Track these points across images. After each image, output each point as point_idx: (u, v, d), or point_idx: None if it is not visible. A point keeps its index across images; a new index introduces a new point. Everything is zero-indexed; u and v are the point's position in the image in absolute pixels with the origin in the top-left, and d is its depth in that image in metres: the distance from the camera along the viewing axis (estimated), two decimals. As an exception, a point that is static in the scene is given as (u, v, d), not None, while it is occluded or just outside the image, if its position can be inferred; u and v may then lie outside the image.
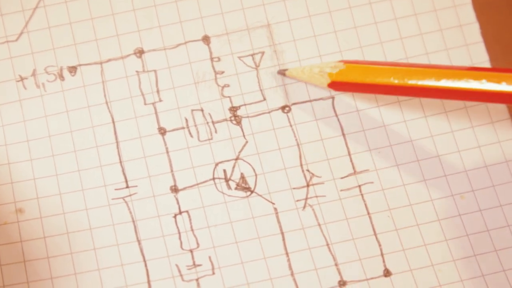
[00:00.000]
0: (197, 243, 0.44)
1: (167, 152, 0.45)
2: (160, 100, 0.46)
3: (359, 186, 0.45)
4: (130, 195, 0.45)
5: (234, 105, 0.46)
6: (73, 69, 0.46)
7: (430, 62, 0.46)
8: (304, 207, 0.45)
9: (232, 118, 0.46)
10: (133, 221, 0.44)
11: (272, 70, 0.46)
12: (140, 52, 0.46)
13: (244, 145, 0.45)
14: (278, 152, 0.45)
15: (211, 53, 0.46)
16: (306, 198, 0.45)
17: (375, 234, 0.44)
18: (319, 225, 0.44)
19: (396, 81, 0.39)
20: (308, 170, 0.45)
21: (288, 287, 0.43)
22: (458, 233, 0.44)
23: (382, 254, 0.44)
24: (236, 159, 0.45)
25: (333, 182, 0.45)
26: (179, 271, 0.44)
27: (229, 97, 0.46)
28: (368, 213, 0.44)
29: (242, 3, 0.47)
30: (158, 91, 0.46)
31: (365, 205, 0.45)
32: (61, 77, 0.46)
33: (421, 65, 0.40)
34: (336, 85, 0.42)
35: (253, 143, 0.45)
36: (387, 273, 0.44)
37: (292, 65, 0.46)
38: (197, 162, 0.45)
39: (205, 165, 0.45)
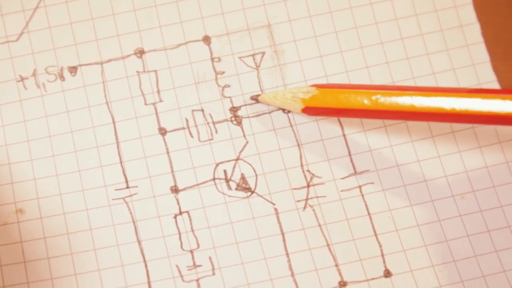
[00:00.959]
0: (198, 244, 0.44)
1: (168, 152, 0.45)
2: (161, 100, 0.46)
3: (360, 186, 0.45)
4: (130, 196, 0.45)
5: (234, 105, 0.46)
6: (73, 69, 0.46)
7: (431, 63, 0.46)
8: (305, 207, 0.44)
9: (233, 119, 0.46)
10: (134, 222, 0.44)
11: (272, 71, 0.46)
12: (140, 52, 0.46)
13: (245, 146, 0.45)
14: (278, 153, 0.45)
15: (211, 53, 0.46)
16: (307, 199, 0.45)
17: (375, 234, 0.44)
18: (319, 225, 0.44)
19: (369, 104, 0.39)
20: (308, 171, 0.45)
21: (288, 287, 0.43)
22: (459, 234, 0.44)
23: (382, 255, 0.44)
24: (237, 159, 0.45)
25: (333, 183, 0.45)
26: (180, 271, 0.44)
27: (229, 97, 0.46)
28: (369, 214, 0.44)
29: (243, 3, 0.47)
30: (158, 91, 0.46)
31: (366, 205, 0.45)
32: (62, 77, 0.46)
33: (394, 87, 0.40)
34: (310, 110, 0.42)
35: (254, 144, 0.45)
36: (387, 273, 0.44)
37: (293, 65, 0.46)
38: (197, 163, 0.45)
39: (205, 166, 0.45)
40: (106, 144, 0.45)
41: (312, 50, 0.47)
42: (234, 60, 0.46)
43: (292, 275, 0.44)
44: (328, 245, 0.44)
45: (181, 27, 0.47)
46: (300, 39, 0.47)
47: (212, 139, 0.45)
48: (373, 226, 0.44)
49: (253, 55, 0.47)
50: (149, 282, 0.44)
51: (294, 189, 0.45)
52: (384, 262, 0.44)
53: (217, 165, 0.45)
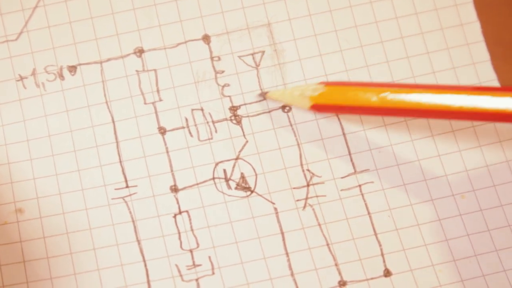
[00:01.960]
0: (197, 243, 0.44)
1: (167, 151, 0.45)
2: (160, 100, 0.46)
3: (360, 185, 0.45)
4: (130, 195, 0.45)
5: (234, 104, 0.46)
6: (73, 69, 0.46)
7: (431, 61, 0.46)
8: (304, 207, 0.44)
9: (232, 118, 0.46)
10: (133, 221, 0.44)
11: (272, 70, 0.46)
12: (140, 51, 0.46)
13: (244, 145, 0.45)
14: (278, 152, 0.45)
15: (211, 52, 0.46)
16: (306, 198, 0.45)
17: (375, 234, 0.44)
18: (319, 225, 0.44)
19: (377, 102, 0.39)
20: (308, 170, 0.45)
21: (288, 287, 0.43)
22: (459, 233, 0.44)
23: (382, 254, 0.44)
24: (236, 158, 0.45)
25: (333, 182, 0.45)
26: (179, 271, 0.44)
27: (229, 96, 0.46)
28: (369, 213, 0.44)
29: (242, 2, 0.47)
30: (158, 91, 0.46)
31: (366, 205, 0.45)
32: (61, 77, 0.46)
33: (402, 85, 0.40)
34: (318, 108, 0.42)
35: (253, 143, 0.45)
36: (387, 273, 0.44)
37: (292, 64, 0.46)
38: (197, 162, 0.45)
39: (205, 165, 0.45)
40: (105, 143, 0.45)
41: (312, 49, 0.46)
42: (234, 59, 0.46)
43: (292, 274, 0.44)
44: (327, 244, 0.44)
45: (181, 26, 0.47)
46: (300, 38, 0.47)
47: (211, 138, 0.45)
48: (373, 226, 0.44)
49: (252, 54, 0.46)
50: (148, 282, 0.44)
51: (294, 188, 0.45)
52: (384, 261, 0.44)
53: (216, 164, 0.45)
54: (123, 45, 0.46)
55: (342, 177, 0.45)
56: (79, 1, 0.46)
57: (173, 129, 0.45)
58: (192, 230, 0.44)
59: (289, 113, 0.46)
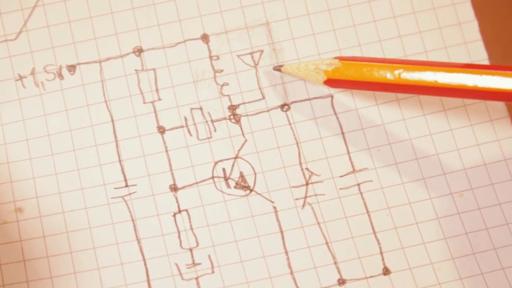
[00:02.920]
0: (197, 242, 0.44)
1: (166, 151, 0.45)
2: (159, 99, 0.46)
3: (358, 184, 0.45)
4: (129, 194, 0.45)
5: (233, 103, 0.46)
6: (72, 68, 0.46)
7: (428, 59, 0.46)
8: (303, 205, 0.45)
9: (231, 117, 0.46)
10: (133, 220, 0.44)
11: (271, 69, 0.46)
12: (139, 51, 0.46)
13: (243, 144, 0.45)
14: (277, 151, 0.45)
15: (210, 51, 0.46)
16: (305, 197, 0.45)
17: (374, 232, 0.44)
18: (318, 223, 0.44)
19: (391, 79, 0.39)
20: (307, 169, 0.45)
21: (287, 285, 0.44)
22: (457, 231, 0.44)
23: (381, 253, 0.44)
24: (235, 157, 0.45)
25: (332, 181, 0.45)
26: (179, 270, 0.44)
27: (228, 95, 0.46)
28: (367, 212, 0.45)
29: (241, 1, 0.47)
30: (157, 90, 0.46)
31: (364, 203, 0.45)
32: (60, 76, 0.46)
33: (417, 62, 0.40)
34: (332, 82, 0.42)
35: (252, 142, 0.45)
36: (386, 271, 0.44)
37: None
38: (196, 161, 0.45)
39: (204, 164, 0.45)
40: (105, 142, 0.45)
41: (311, 48, 0.47)
42: (233, 58, 0.46)
43: (291, 273, 0.44)
44: (327, 243, 0.44)
45: (180, 25, 0.47)
46: (298, 37, 0.47)
47: (210, 137, 0.45)
48: (371, 224, 0.44)
49: (251, 53, 0.47)
50: (148, 281, 0.44)
51: (293, 187, 0.45)
52: (382, 259, 0.44)
53: (215, 163, 0.45)
54: (122, 44, 0.46)
55: (341, 176, 0.45)
56: (78, 0, 0.46)
57: (172, 128, 0.45)
58: (191, 229, 0.44)
59: (288, 112, 0.46)
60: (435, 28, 0.47)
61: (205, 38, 0.47)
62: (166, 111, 0.46)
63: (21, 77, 0.46)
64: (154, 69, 0.46)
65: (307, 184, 0.45)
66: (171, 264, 0.44)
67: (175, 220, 0.44)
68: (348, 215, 0.44)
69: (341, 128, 0.46)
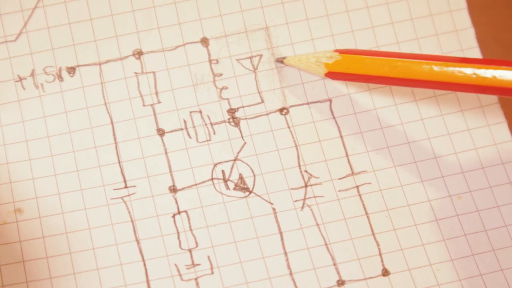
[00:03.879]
0: (196, 243, 0.44)
1: (166, 152, 0.45)
2: (159, 102, 0.46)
3: (357, 186, 0.45)
4: (129, 195, 0.45)
5: (232, 107, 0.46)
6: (71, 70, 0.46)
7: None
8: (303, 207, 0.45)
9: (231, 120, 0.46)
10: (132, 221, 0.44)
11: (270, 73, 0.46)
12: (139, 54, 0.46)
13: (243, 146, 0.45)
14: (276, 153, 0.45)
15: (209, 55, 0.47)
16: (305, 199, 0.45)
17: (373, 234, 0.44)
18: (317, 225, 0.44)
19: (390, 71, 0.40)
20: (306, 171, 0.45)
21: (286, 286, 0.43)
22: (456, 233, 0.44)
23: (380, 254, 0.44)
24: (235, 160, 0.45)
25: (331, 183, 0.45)
26: (178, 270, 0.44)
27: (227, 99, 0.46)
28: (366, 213, 0.45)
29: (241, 5, 0.47)
30: (156, 93, 0.46)
31: (363, 205, 0.45)
32: (60, 78, 0.46)
33: (415, 55, 0.40)
34: (333, 75, 0.43)
35: (251, 145, 0.45)
36: (385, 272, 0.44)
37: (290, 68, 0.46)
38: (195, 163, 0.45)
39: (203, 166, 0.45)
40: (104, 144, 0.45)
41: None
42: (232, 62, 0.47)
43: (291, 274, 0.44)
44: (326, 244, 0.44)
45: (179, 28, 0.47)
46: (297, 42, 0.47)
47: (210, 140, 0.46)
48: (370, 226, 0.44)
49: (250, 57, 0.47)
50: (147, 281, 0.43)
51: (292, 189, 0.45)
52: (382, 261, 0.44)
53: (215, 165, 0.45)
54: (122, 47, 0.46)
55: (339, 178, 0.45)
56: (79, 2, 0.47)
57: (171, 131, 0.46)
58: (191, 230, 0.44)
59: (287, 116, 0.46)
60: (432, 35, 0.47)
61: (204, 41, 0.47)
62: (166, 113, 0.46)
63: (20, 79, 0.46)
64: (153, 72, 0.46)
65: (306, 186, 0.45)
66: (171, 264, 0.44)
67: (174, 221, 0.44)
68: (347, 216, 0.45)
69: (339, 131, 0.46)
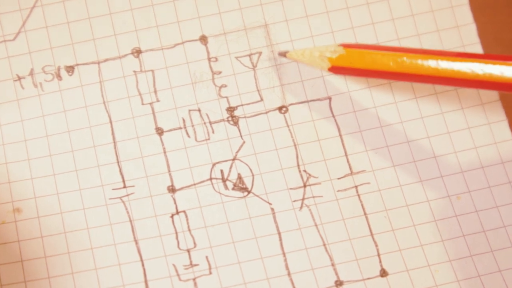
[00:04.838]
0: (194, 243, 0.44)
1: (165, 152, 0.45)
2: (158, 100, 0.46)
3: (356, 186, 0.45)
4: (127, 195, 0.45)
5: (231, 105, 0.46)
6: (70, 69, 0.46)
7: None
8: (301, 207, 0.45)
9: (229, 119, 0.46)
10: (130, 221, 0.44)
11: (269, 71, 0.46)
12: (137, 52, 0.46)
13: (241, 146, 0.45)
14: (275, 153, 0.45)
15: (208, 53, 0.46)
16: (303, 199, 0.45)
17: (371, 234, 0.44)
18: (316, 225, 0.44)
19: (394, 67, 0.39)
20: (305, 171, 0.45)
21: (285, 287, 0.44)
22: (454, 234, 0.44)
23: (378, 254, 0.44)
24: (233, 159, 0.45)
25: (330, 183, 0.45)
26: (176, 270, 0.44)
27: (226, 97, 0.46)
28: (365, 214, 0.45)
29: (240, 3, 0.47)
30: (155, 91, 0.46)
31: (362, 205, 0.45)
32: (59, 77, 0.46)
33: (420, 50, 0.40)
34: (336, 70, 0.42)
35: (250, 144, 0.45)
36: (383, 273, 0.44)
37: (289, 65, 0.46)
38: (194, 162, 0.45)
39: (202, 165, 0.45)
40: (103, 143, 0.45)
41: (309, 50, 0.47)
42: (231, 60, 0.46)
43: (289, 274, 0.44)
44: (324, 244, 0.44)
45: (178, 26, 0.47)
46: (297, 39, 0.47)
47: (209, 139, 0.45)
48: (369, 226, 0.44)
49: (250, 55, 0.47)
50: (146, 281, 0.44)
51: (291, 189, 0.45)
52: (380, 261, 0.44)
53: (213, 165, 0.45)
54: (120, 45, 0.46)
55: (338, 178, 0.45)
56: (77, 1, 0.47)
57: (170, 130, 0.45)
58: (189, 230, 0.44)
59: (286, 114, 0.46)
60: (433, 31, 0.47)
61: (203, 39, 0.47)
62: (165, 112, 0.46)
63: (19, 78, 0.46)
64: (152, 71, 0.46)
65: (304, 186, 0.45)
66: (169, 265, 0.44)
67: (173, 221, 0.44)
68: (345, 217, 0.44)
69: (339, 130, 0.46)
